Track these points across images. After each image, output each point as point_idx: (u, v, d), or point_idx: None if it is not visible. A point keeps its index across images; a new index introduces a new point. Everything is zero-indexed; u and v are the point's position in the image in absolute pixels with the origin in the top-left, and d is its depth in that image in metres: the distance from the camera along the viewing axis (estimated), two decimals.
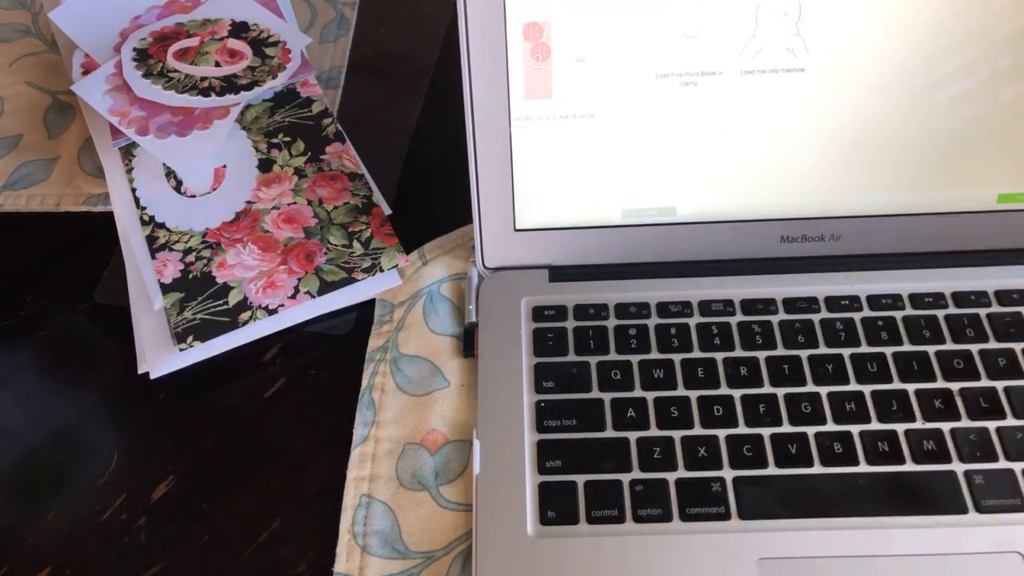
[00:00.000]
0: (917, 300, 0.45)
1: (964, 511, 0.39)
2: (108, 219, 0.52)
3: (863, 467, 0.40)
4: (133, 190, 0.52)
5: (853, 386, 0.43)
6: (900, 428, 0.41)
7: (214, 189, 0.52)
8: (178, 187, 0.52)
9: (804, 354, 0.44)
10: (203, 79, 0.55)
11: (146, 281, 0.48)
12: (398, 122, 0.58)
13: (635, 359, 0.44)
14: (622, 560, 0.38)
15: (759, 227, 0.46)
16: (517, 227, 0.46)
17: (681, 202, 0.46)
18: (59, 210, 0.54)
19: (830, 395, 0.42)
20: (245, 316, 0.47)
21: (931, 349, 0.44)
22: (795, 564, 0.38)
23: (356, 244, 0.49)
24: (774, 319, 0.45)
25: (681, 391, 0.43)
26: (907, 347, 0.44)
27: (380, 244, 0.49)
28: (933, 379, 0.43)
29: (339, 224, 0.50)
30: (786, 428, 0.41)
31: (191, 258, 0.49)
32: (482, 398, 0.43)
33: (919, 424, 0.41)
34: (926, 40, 0.42)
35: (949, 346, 0.44)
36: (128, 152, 0.54)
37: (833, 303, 0.45)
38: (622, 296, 0.46)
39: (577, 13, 0.41)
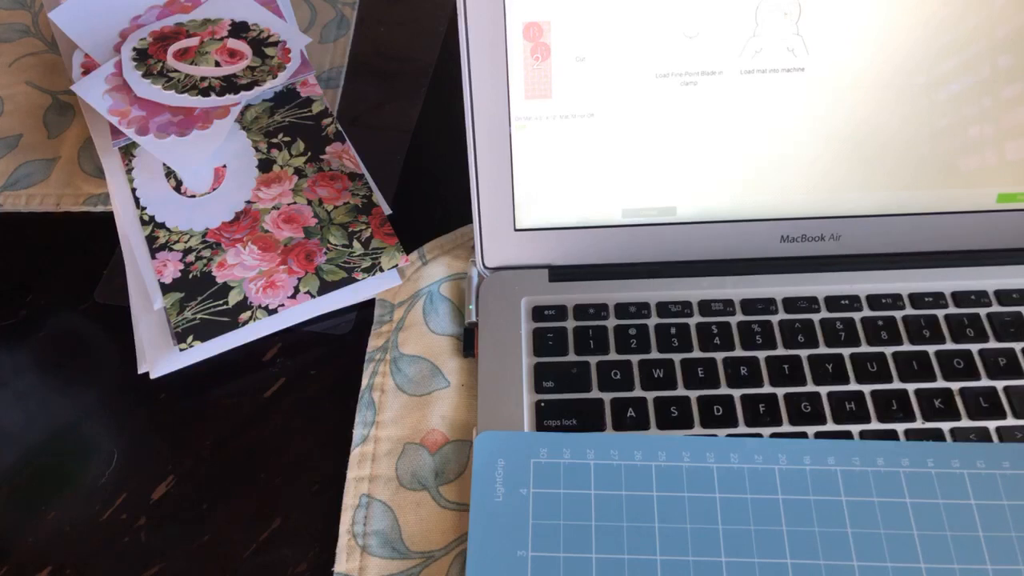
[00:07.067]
0: (917, 300, 0.45)
1: None
2: (108, 219, 0.52)
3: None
4: (133, 190, 0.52)
5: (853, 386, 0.43)
6: (900, 428, 0.41)
7: (214, 189, 0.52)
8: (178, 187, 0.52)
9: (804, 354, 0.44)
10: (203, 79, 0.55)
11: (146, 281, 0.48)
12: (398, 122, 0.58)
13: (635, 359, 0.44)
14: None
15: (759, 227, 0.46)
16: (517, 227, 0.46)
17: (681, 202, 0.46)
18: (59, 210, 0.54)
19: (830, 395, 0.42)
20: (245, 316, 0.47)
21: (931, 349, 0.44)
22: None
23: (356, 244, 0.49)
24: (774, 319, 0.45)
25: (681, 391, 0.43)
26: (907, 347, 0.44)
27: (380, 244, 0.49)
28: (933, 379, 0.43)
29: (339, 224, 0.50)
30: (786, 428, 0.41)
31: (191, 258, 0.49)
32: (482, 398, 0.43)
33: (919, 424, 0.41)
34: (926, 40, 0.42)
35: (949, 346, 0.44)
36: (128, 152, 0.54)
37: (833, 303, 0.45)
38: (622, 296, 0.46)
39: (577, 13, 0.41)
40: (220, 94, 0.55)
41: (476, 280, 0.47)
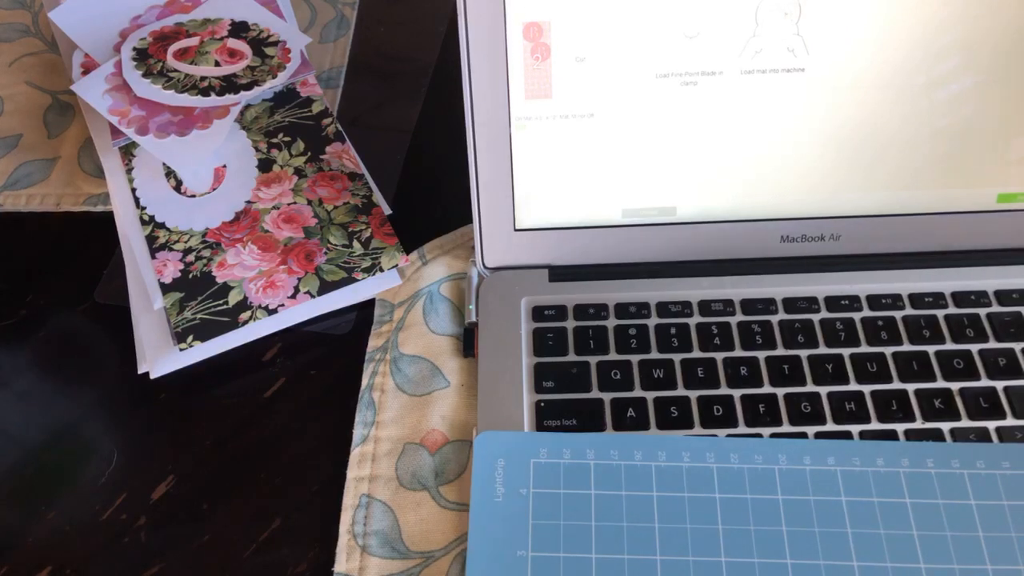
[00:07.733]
0: (917, 300, 0.45)
1: None
2: (108, 219, 0.52)
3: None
4: (133, 190, 0.52)
5: (853, 386, 0.43)
6: (900, 428, 0.41)
7: (214, 189, 0.52)
8: (178, 187, 0.52)
9: (804, 354, 0.44)
10: (203, 79, 0.55)
11: (146, 281, 0.48)
12: (398, 122, 0.58)
13: (635, 359, 0.44)
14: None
15: (759, 227, 0.46)
16: (517, 227, 0.46)
17: (681, 202, 0.46)
18: (59, 210, 0.54)
19: (830, 395, 0.42)
20: (245, 316, 0.47)
21: (931, 349, 0.44)
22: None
23: (356, 244, 0.49)
24: (774, 319, 0.45)
25: (681, 391, 0.43)
26: (907, 347, 0.44)
27: (380, 244, 0.49)
28: (933, 379, 0.43)
29: (339, 224, 0.50)
30: (786, 428, 0.41)
31: (191, 258, 0.49)
32: (482, 398, 0.43)
33: (919, 424, 0.41)
34: (926, 40, 0.42)
35: (949, 346, 0.44)
36: (128, 152, 0.54)
37: (833, 303, 0.45)
38: (622, 296, 0.46)
39: (577, 13, 0.41)
40: (220, 94, 0.55)
41: (476, 280, 0.47)
